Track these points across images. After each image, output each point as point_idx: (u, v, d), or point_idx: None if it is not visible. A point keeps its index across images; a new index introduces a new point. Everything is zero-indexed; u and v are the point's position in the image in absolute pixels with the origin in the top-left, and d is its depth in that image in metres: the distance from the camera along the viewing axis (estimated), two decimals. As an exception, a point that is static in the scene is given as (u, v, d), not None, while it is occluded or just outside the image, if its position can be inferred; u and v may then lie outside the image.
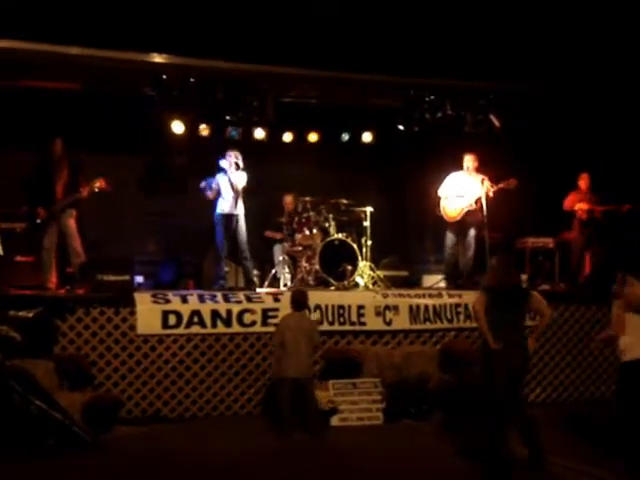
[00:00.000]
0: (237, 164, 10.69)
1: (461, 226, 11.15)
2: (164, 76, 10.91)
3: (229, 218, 10.74)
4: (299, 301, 8.31)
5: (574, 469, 6.89)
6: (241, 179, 10.74)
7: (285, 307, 9.06)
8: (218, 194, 10.78)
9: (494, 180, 10.91)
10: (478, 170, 11.10)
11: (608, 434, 7.36)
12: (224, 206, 10.76)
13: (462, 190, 11.09)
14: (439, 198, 11.25)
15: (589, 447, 7.52)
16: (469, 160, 11.15)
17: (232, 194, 10.69)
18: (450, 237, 11.23)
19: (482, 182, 10.87)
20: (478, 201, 10.91)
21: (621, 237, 11.35)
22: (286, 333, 8.03)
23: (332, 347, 9.58)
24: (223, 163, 10.71)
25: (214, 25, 10.29)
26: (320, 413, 8.39)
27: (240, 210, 10.76)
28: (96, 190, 9.91)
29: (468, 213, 11.05)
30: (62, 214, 9.93)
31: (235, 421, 8.98)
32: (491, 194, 10.83)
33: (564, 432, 8.14)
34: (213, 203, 10.87)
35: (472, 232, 11.11)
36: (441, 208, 11.23)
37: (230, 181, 10.67)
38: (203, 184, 10.77)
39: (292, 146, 12.97)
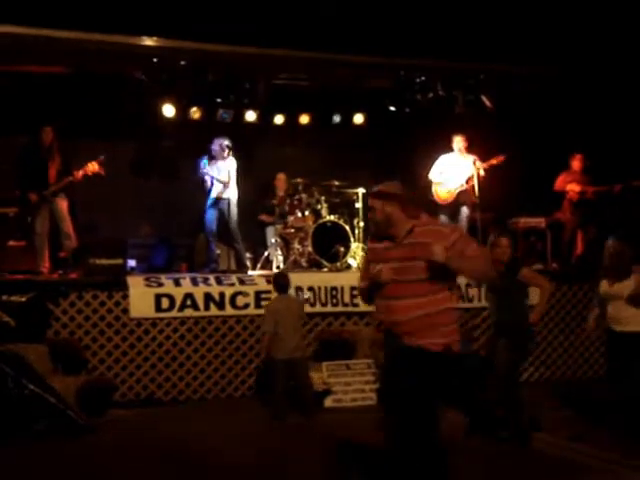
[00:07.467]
0: (225, 151, 10.76)
1: (453, 207, 11.17)
2: (154, 59, 10.88)
3: (220, 202, 10.80)
4: (282, 284, 8.34)
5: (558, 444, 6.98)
6: (230, 166, 10.80)
7: (278, 289, 9.14)
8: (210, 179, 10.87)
9: (485, 160, 10.93)
10: (468, 150, 11.13)
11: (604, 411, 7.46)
12: (215, 191, 10.82)
13: (453, 171, 11.11)
14: (430, 182, 11.24)
15: (583, 424, 7.58)
16: (459, 141, 11.17)
17: (222, 179, 10.74)
18: (442, 219, 11.22)
19: (474, 163, 10.90)
20: (469, 180, 10.94)
21: (613, 216, 11.37)
22: (277, 317, 8.05)
23: (325, 329, 9.62)
24: (212, 149, 10.84)
25: (204, 8, 10.24)
26: (314, 394, 8.43)
27: (230, 194, 10.79)
28: (90, 174, 9.90)
29: (460, 194, 11.07)
30: (54, 199, 9.92)
31: (229, 404, 9.01)
32: (482, 173, 10.85)
33: (555, 410, 8.21)
34: (207, 188, 10.92)
35: (464, 212, 11.14)
36: (433, 191, 11.23)
37: (218, 168, 10.74)
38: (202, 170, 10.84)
39: (284, 128, 12.95)
